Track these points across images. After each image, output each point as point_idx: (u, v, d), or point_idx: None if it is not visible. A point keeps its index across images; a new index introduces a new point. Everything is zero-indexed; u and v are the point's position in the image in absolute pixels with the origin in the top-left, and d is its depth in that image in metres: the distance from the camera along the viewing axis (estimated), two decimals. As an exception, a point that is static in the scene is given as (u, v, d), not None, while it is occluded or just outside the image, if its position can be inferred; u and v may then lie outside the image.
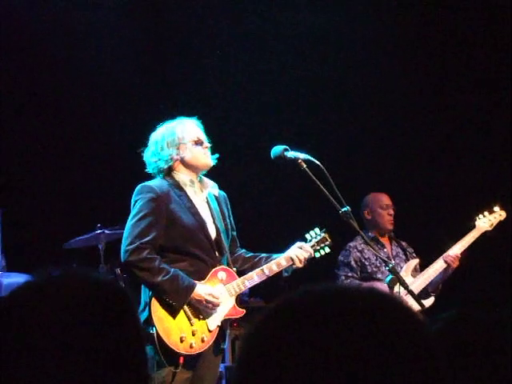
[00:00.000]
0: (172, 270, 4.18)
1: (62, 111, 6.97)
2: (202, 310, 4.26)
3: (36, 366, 1.28)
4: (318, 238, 4.61)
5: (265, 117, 7.35)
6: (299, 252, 4.49)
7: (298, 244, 4.56)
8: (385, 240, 6.04)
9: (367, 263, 5.88)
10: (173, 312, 4.19)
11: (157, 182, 4.40)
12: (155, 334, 4.11)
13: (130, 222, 4.28)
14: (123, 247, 4.20)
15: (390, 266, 4.05)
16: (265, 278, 4.44)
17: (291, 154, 4.35)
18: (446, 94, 7.32)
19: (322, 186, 4.21)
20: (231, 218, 4.64)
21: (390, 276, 4.15)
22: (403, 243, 6.12)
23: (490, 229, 5.82)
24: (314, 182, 4.23)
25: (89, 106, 7.01)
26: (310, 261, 4.55)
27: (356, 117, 7.40)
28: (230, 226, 4.58)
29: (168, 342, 4.13)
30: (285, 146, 4.38)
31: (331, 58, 7.33)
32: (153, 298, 4.17)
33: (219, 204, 4.56)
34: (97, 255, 5.84)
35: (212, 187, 4.54)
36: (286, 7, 7.24)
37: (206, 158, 4.45)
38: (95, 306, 1.34)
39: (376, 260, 5.84)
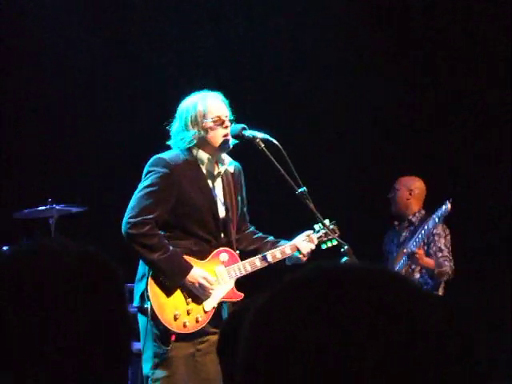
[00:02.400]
0: (171, 248, 4.15)
1: (17, 79, 6.77)
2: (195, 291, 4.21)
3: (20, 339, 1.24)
4: (327, 229, 4.49)
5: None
6: (306, 245, 4.43)
7: (306, 233, 4.50)
8: (403, 225, 5.94)
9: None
10: (169, 289, 4.17)
11: (172, 155, 4.30)
12: (149, 309, 4.09)
13: (138, 193, 4.22)
14: (126, 217, 4.16)
15: (346, 247, 4.04)
16: (267, 264, 4.38)
17: (249, 132, 4.32)
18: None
19: (278, 166, 4.18)
20: (244, 192, 4.54)
21: (345, 258, 4.13)
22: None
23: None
24: (271, 161, 4.21)
25: (46, 76, 6.81)
26: (315, 251, 4.47)
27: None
28: (241, 200, 4.50)
29: (161, 318, 4.11)
30: (243, 125, 4.34)
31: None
32: (150, 273, 4.15)
33: (233, 179, 4.46)
34: (47, 230, 5.72)
35: (229, 165, 4.43)
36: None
37: (224, 142, 4.28)
38: (83, 277, 1.30)
39: (390, 245, 5.94)
